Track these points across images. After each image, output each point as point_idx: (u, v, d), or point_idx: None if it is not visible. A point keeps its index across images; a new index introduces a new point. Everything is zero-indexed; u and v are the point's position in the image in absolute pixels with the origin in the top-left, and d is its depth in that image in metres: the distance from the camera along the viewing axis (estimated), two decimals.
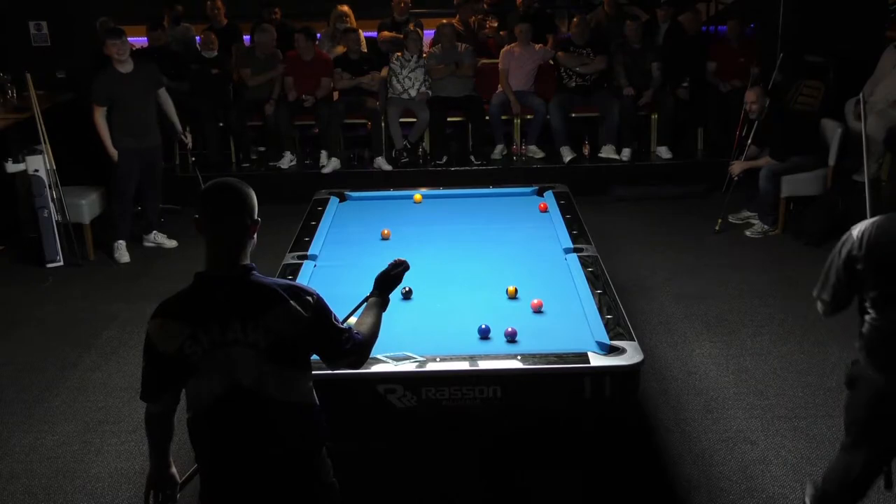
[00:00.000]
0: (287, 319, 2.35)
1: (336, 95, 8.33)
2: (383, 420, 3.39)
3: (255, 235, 2.47)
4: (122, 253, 6.80)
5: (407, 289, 3.99)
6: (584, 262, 4.39)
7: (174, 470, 2.64)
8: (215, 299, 2.38)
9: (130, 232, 6.94)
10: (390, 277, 2.86)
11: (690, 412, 4.36)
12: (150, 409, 2.54)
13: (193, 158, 7.81)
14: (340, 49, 8.43)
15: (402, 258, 2.92)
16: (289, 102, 8.22)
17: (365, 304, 2.83)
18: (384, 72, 8.49)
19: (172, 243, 7.05)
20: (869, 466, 2.99)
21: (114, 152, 6.56)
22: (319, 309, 2.42)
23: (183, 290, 2.43)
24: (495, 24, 9.25)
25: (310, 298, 2.41)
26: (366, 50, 8.77)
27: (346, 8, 8.72)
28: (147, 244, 7.03)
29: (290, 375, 2.43)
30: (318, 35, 8.67)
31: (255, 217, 2.45)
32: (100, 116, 6.50)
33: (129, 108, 6.54)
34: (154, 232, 7.06)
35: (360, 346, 2.55)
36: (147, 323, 2.43)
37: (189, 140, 7.27)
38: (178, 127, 7.03)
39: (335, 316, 2.50)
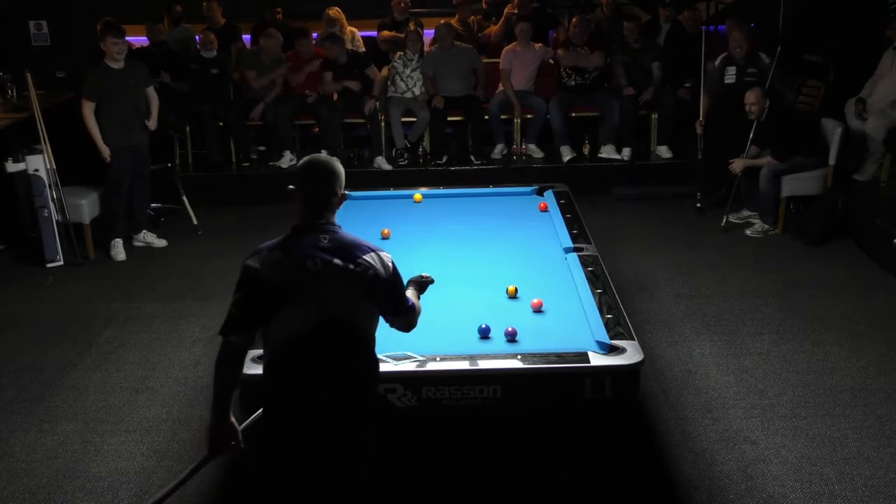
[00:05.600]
0: (379, 264, 2.71)
1: (336, 95, 8.34)
2: (383, 420, 3.39)
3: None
4: (119, 251, 6.80)
5: None
6: (584, 262, 4.40)
7: (233, 419, 2.71)
8: (317, 239, 2.67)
9: (127, 230, 6.94)
10: (422, 282, 3.18)
11: (690, 412, 4.36)
12: (232, 340, 2.61)
13: (181, 189, 7.53)
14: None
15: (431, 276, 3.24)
16: (289, 102, 8.24)
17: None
18: (385, 71, 8.50)
19: (162, 243, 7.05)
20: None
21: (105, 149, 6.55)
22: (395, 267, 2.78)
23: (283, 237, 2.71)
24: (494, 28, 9.24)
25: (388, 256, 2.78)
26: (364, 50, 8.78)
27: (335, 12, 8.68)
28: (137, 244, 7.03)
29: (373, 317, 2.76)
30: (315, 35, 8.68)
31: (343, 190, 2.79)
32: (89, 111, 6.50)
33: (118, 104, 6.55)
34: (143, 231, 7.05)
35: (413, 310, 2.91)
36: (244, 262, 2.64)
37: (151, 124, 6.89)
38: (153, 116, 6.87)
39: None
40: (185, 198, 7.33)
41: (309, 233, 2.69)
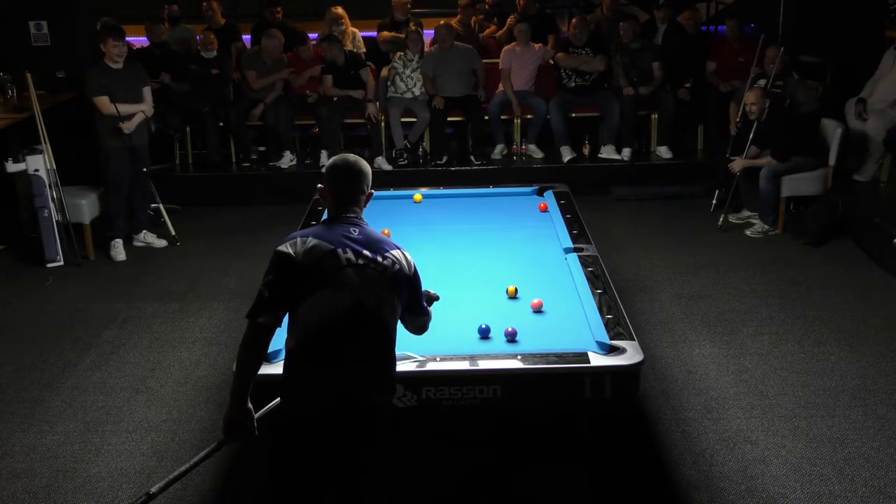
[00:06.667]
0: (404, 260, 2.84)
1: (336, 97, 8.33)
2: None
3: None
4: (119, 251, 6.80)
5: None
6: (584, 262, 4.40)
7: (251, 405, 2.75)
8: (347, 230, 2.79)
9: (126, 230, 6.94)
10: (429, 297, 3.19)
11: (690, 412, 4.36)
12: (260, 322, 2.66)
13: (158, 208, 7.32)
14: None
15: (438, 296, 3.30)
16: (289, 102, 8.25)
17: None
18: (385, 71, 8.49)
19: (162, 243, 7.05)
20: None
21: (146, 107, 6.68)
22: (416, 268, 2.91)
23: (314, 227, 2.86)
24: (495, 29, 9.24)
25: (411, 256, 2.90)
26: (364, 50, 8.77)
27: (340, 10, 8.68)
28: (137, 244, 7.02)
29: (396, 311, 2.82)
30: (315, 35, 8.68)
31: (371, 189, 2.93)
32: (106, 103, 6.46)
33: (118, 103, 6.52)
34: (143, 231, 7.05)
35: (428, 313, 3.06)
36: (276, 248, 2.72)
37: (125, 126, 6.59)
38: (136, 118, 6.65)
39: None
40: (161, 206, 7.16)
41: (339, 224, 2.81)
